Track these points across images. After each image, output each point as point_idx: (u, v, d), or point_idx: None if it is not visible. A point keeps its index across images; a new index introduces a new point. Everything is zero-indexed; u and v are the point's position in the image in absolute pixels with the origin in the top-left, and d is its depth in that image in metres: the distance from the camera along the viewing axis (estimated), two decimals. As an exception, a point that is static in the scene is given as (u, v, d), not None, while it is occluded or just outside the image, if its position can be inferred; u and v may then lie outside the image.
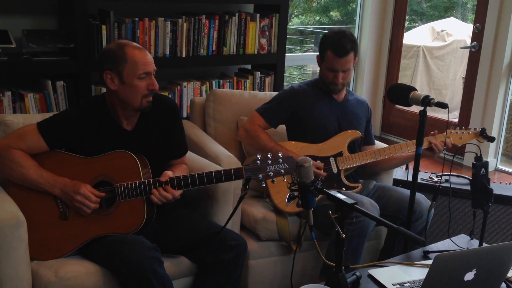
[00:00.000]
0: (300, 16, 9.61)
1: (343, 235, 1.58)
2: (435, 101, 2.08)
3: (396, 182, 2.76)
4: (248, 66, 3.60)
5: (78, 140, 2.03)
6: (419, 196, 2.45)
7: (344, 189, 2.45)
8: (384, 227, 2.57)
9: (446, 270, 1.56)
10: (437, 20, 6.85)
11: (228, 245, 2.04)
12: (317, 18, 9.64)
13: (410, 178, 2.40)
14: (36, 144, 2.00)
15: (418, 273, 1.89)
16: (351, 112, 2.59)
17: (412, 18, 7.79)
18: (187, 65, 3.25)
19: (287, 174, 1.95)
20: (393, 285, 1.79)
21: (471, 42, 4.28)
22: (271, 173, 1.94)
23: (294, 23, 9.14)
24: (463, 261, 1.58)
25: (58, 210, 2.00)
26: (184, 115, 3.24)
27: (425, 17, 7.98)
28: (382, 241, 2.64)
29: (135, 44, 2.04)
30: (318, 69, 6.67)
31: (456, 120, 4.57)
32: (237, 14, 3.28)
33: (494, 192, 2.01)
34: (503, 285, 1.75)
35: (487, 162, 1.97)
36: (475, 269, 1.58)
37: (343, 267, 1.65)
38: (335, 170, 2.47)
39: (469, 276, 1.58)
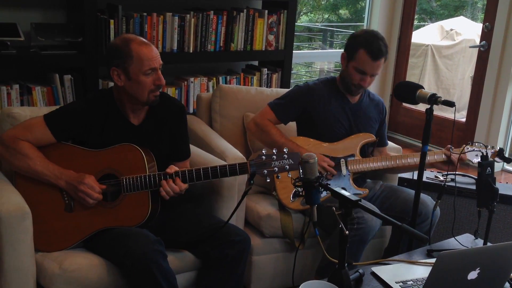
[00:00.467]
0: (308, 14, 9.59)
1: (347, 232, 1.58)
2: (442, 99, 2.07)
3: (402, 180, 2.75)
4: (255, 63, 3.60)
5: (85, 133, 2.04)
6: (425, 197, 2.43)
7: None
8: (388, 226, 2.57)
9: (450, 269, 1.55)
10: (446, 19, 6.81)
11: (232, 241, 2.05)
12: (326, 16, 9.60)
13: (415, 177, 2.39)
14: (43, 136, 2.01)
15: (422, 272, 1.88)
16: (363, 115, 2.54)
17: (422, 17, 7.74)
18: (194, 60, 3.25)
19: (292, 170, 1.95)
20: (396, 282, 1.78)
21: (480, 41, 4.25)
22: (276, 169, 1.94)
23: (303, 21, 9.12)
24: (467, 260, 1.57)
25: (63, 202, 2.01)
26: (191, 110, 3.24)
27: (435, 16, 7.94)
28: (386, 239, 2.64)
29: (140, 39, 2.04)
30: (325, 67, 6.61)
31: (464, 119, 4.55)
32: (245, 10, 3.28)
33: (500, 192, 2.00)
34: (507, 284, 1.74)
35: (493, 161, 1.96)
36: (478, 268, 1.57)
37: (346, 264, 1.65)
38: (344, 172, 2.45)
39: (472, 275, 1.58)
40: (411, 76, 5.60)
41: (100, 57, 2.85)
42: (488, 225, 1.96)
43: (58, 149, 2.04)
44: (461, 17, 6.63)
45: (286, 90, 3.08)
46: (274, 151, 1.95)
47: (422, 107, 2.41)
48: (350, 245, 2.17)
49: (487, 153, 1.94)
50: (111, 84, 2.90)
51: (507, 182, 3.06)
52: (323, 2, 9.56)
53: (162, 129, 2.16)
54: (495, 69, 4.09)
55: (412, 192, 2.41)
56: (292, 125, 2.65)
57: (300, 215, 2.45)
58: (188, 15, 3.09)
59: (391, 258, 1.97)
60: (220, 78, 3.34)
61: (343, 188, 1.67)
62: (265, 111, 2.51)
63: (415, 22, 4.94)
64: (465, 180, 2.69)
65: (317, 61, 6.29)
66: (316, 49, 7.76)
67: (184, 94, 3.24)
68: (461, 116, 5.06)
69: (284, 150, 1.95)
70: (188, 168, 2.24)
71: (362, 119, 2.53)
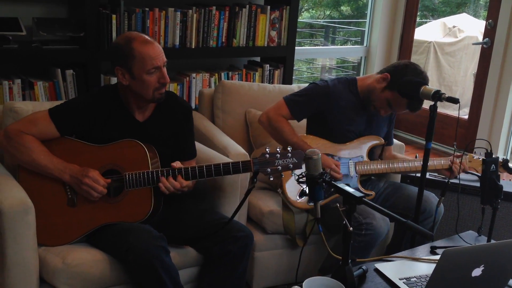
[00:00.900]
0: (310, 10, 9.56)
1: (351, 228, 1.57)
2: (446, 96, 2.06)
3: (404, 177, 2.74)
4: (257, 59, 3.59)
5: (89, 127, 2.04)
6: (429, 194, 2.42)
7: None
8: (391, 222, 2.56)
9: (454, 266, 1.55)
10: (448, 16, 6.79)
11: (235, 237, 2.04)
12: (328, 12, 9.58)
13: (418, 174, 2.38)
14: (47, 130, 2.01)
15: (425, 269, 1.88)
16: (376, 119, 2.51)
17: (424, 13, 7.72)
18: (196, 56, 3.24)
19: (296, 168, 1.94)
20: (400, 279, 1.78)
21: (483, 38, 4.23)
22: (280, 167, 1.93)
23: (304, 17, 9.09)
24: (471, 257, 1.56)
25: (66, 196, 2.01)
26: (192, 106, 3.23)
27: (437, 13, 7.91)
28: (389, 236, 2.63)
29: (143, 37, 2.01)
30: (327, 63, 6.58)
31: (466, 117, 4.54)
32: (247, 6, 3.27)
33: (504, 189, 2.00)
34: (511, 281, 1.73)
35: (497, 158, 1.95)
36: (482, 265, 1.57)
37: (350, 261, 1.64)
38: (352, 174, 2.43)
39: (476, 272, 1.57)
40: (413, 73, 5.57)
41: (102, 52, 2.84)
42: (492, 222, 1.95)
43: (62, 143, 2.03)
44: (464, 14, 6.60)
45: (290, 86, 3.09)
46: (278, 149, 1.94)
47: (424, 104, 2.40)
48: (357, 250, 2.18)
49: (491, 150, 1.93)
50: (113, 79, 2.92)
51: (510, 180, 3.05)
52: (325, -1, 9.53)
53: (167, 128, 2.15)
54: (498, 66, 4.07)
55: (416, 189, 2.40)
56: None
57: (303, 214, 2.43)
58: (190, 11, 3.08)
59: (394, 254, 1.96)
60: (222, 74, 3.33)
61: (347, 185, 1.66)
62: (280, 105, 2.42)
63: (417, 19, 4.91)
64: (468, 177, 2.68)
65: (319, 57, 6.26)
66: (317, 45, 7.74)
67: (186, 90, 3.23)
68: (463, 113, 5.05)
69: (288, 148, 1.94)
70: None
71: (373, 123, 2.50)
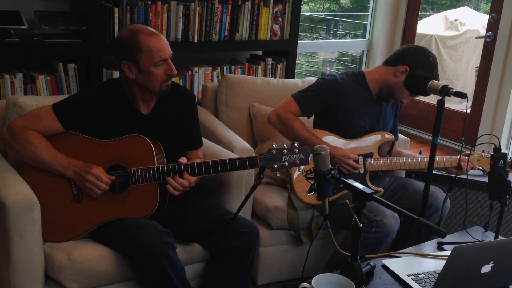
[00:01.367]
0: (309, 3, 9.51)
1: (361, 225, 1.56)
2: (454, 90, 2.04)
3: (409, 172, 2.73)
4: (260, 53, 3.56)
5: (93, 122, 2.02)
6: (436, 189, 2.41)
7: None
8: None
9: (464, 262, 1.54)
10: (448, 9, 6.76)
11: (240, 232, 2.03)
12: (327, 5, 9.53)
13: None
14: (51, 125, 1.99)
15: (432, 264, 1.87)
16: (384, 112, 2.50)
17: (423, 6, 7.69)
18: (199, 50, 3.21)
19: (303, 164, 1.92)
20: (408, 275, 1.77)
21: (486, 32, 4.21)
22: (287, 163, 1.91)
23: (303, 10, 9.05)
24: (481, 253, 1.56)
25: (71, 192, 1.99)
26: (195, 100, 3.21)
27: (437, 6, 7.89)
28: (393, 231, 2.62)
29: (148, 29, 1.99)
30: (328, 57, 6.54)
31: (469, 110, 4.52)
32: (250, -1, 3.24)
33: (512, 184, 1.99)
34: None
35: (506, 154, 1.94)
36: (492, 262, 1.56)
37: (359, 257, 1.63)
38: (362, 170, 2.41)
39: (486, 268, 1.57)
40: (415, 66, 5.55)
41: (105, 46, 2.81)
42: (500, 218, 1.94)
43: (66, 139, 2.02)
44: (465, 7, 6.58)
45: (293, 80, 3.07)
46: (284, 145, 1.92)
47: (426, 98, 2.38)
48: (366, 247, 2.17)
49: (500, 146, 1.92)
50: (116, 73, 2.89)
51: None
52: (324, -9, 9.48)
53: (172, 119, 2.13)
54: (501, 60, 4.05)
55: (422, 184, 2.39)
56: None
57: (309, 210, 2.42)
58: (193, 4, 3.05)
59: (402, 250, 1.96)
60: (225, 68, 3.31)
61: (356, 181, 1.65)
62: (289, 102, 2.40)
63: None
64: (473, 172, 2.67)
65: (321, 51, 6.21)
66: (317, 38, 7.70)
67: (189, 83, 3.21)
68: (464, 107, 5.03)
69: (295, 144, 1.93)
70: (201, 157, 2.22)
71: (381, 117, 2.49)
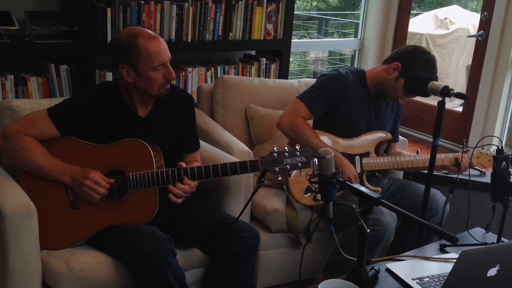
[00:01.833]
0: (297, 1, 9.48)
1: (368, 230, 1.54)
2: (455, 91, 2.03)
3: (407, 173, 2.72)
4: (253, 52, 3.53)
5: (90, 126, 1.98)
6: (435, 192, 2.40)
7: None
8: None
9: (470, 266, 1.53)
10: (435, 7, 6.79)
11: (241, 237, 2.01)
12: (314, 3, 9.52)
13: (425, 170, 2.35)
14: (47, 130, 1.94)
15: (436, 268, 1.86)
16: (383, 113, 2.48)
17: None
18: (192, 50, 3.17)
19: (304, 167, 1.90)
20: (413, 279, 1.76)
21: (478, 31, 4.23)
22: (288, 166, 1.89)
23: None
24: (488, 257, 1.55)
25: (68, 198, 1.95)
26: (190, 101, 3.17)
27: (424, 4, 7.92)
28: (392, 233, 2.61)
29: (147, 32, 1.95)
30: (320, 55, 6.53)
31: (460, 109, 4.55)
32: (244, -2, 3.21)
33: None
34: (524, 281, 1.72)
35: (508, 155, 1.93)
36: (498, 265, 1.55)
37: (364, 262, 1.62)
38: (358, 170, 2.39)
39: (492, 272, 1.56)
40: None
41: (97, 47, 2.76)
42: (502, 219, 1.94)
43: (62, 143, 1.97)
44: (455, 6, 6.61)
45: (290, 81, 3.04)
46: (286, 147, 1.90)
47: (422, 98, 2.37)
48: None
49: (502, 147, 1.91)
50: (108, 74, 2.84)
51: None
52: (312, -11, 9.47)
53: (170, 121, 2.10)
54: (493, 59, 4.07)
55: (421, 186, 2.38)
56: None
57: (307, 211, 2.40)
58: (186, 4, 3.01)
59: (405, 253, 1.94)
60: (218, 68, 3.27)
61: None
62: (297, 106, 2.34)
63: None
64: (471, 172, 2.67)
65: (313, 50, 6.18)
66: (304, 37, 7.67)
67: (182, 84, 3.17)
68: (454, 106, 5.06)
69: (296, 147, 1.90)
70: (199, 160, 2.19)
71: (380, 117, 2.47)
